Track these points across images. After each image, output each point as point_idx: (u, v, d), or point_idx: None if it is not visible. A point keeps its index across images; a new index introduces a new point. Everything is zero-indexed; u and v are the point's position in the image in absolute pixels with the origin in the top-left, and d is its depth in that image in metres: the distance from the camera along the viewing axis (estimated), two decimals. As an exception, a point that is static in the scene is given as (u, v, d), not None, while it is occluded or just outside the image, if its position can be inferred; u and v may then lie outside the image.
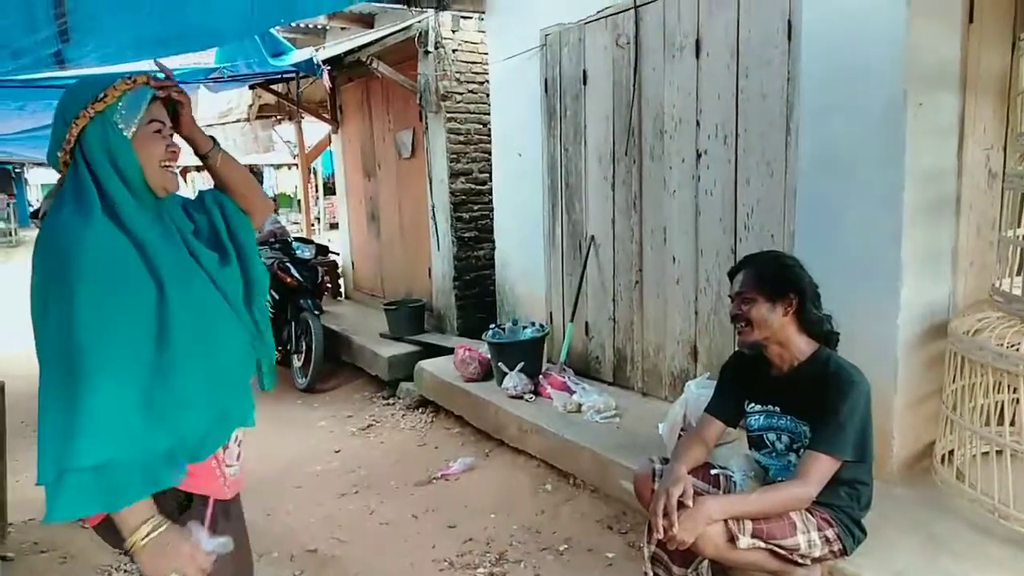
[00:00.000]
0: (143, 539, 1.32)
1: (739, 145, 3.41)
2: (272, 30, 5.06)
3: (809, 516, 2.11)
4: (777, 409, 2.27)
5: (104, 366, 1.28)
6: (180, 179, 1.63)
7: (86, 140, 1.40)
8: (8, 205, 21.36)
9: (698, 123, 3.59)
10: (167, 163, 1.49)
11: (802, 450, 2.17)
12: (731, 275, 2.31)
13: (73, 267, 1.31)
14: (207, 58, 5.09)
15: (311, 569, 3.02)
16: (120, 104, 1.42)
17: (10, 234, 20.87)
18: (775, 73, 3.20)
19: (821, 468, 2.07)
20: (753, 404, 2.34)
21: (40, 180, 33.52)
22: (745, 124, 3.37)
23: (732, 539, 2.01)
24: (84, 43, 3.33)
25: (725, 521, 2.02)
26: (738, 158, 3.42)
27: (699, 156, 3.61)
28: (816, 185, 3.07)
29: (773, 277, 2.20)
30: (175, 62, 4.97)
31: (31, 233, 24.34)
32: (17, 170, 23.79)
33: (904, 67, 2.69)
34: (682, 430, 3.17)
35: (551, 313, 4.82)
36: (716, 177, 3.53)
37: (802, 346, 2.22)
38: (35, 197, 32.03)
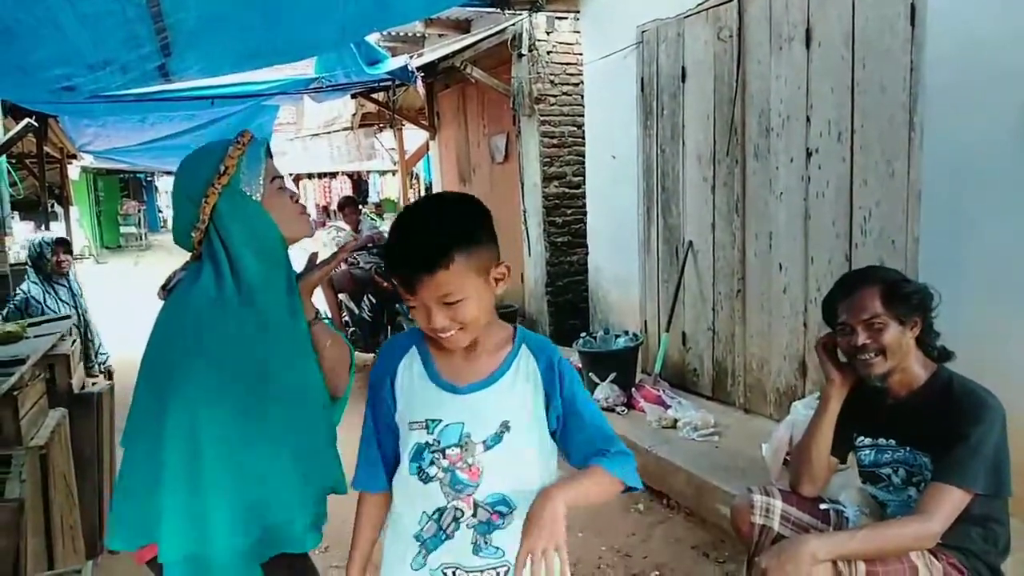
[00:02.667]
0: None
1: (855, 142, 3.11)
2: (368, 39, 5.13)
3: (934, 560, 1.85)
4: (892, 442, 2.02)
5: (222, 464, 1.34)
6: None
7: (219, 216, 1.38)
8: (139, 211, 23.06)
9: (808, 119, 3.31)
10: (302, 212, 1.48)
11: (923, 484, 1.91)
12: (835, 300, 2.00)
13: (197, 356, 1.35)
14: (307, 69, 5.23)
15: (394, 581, 2.97)
16: (241, 170, 1.39)
17: (141, 239, 22.52)
18: (896, 63, 2.90)
19: (947, 502, 1.79)
20: (863, 438, 2.10)
21: (169, 187, 36.15)
22: (862, 119, 3.07)
23: None
24: (185, 57, 3.46)
25: (834, 563, 1.79)
26: (854, 156, 3.12)
27: (809, 155, 3.33)
28: (946, 186, 2.75)
29: (904, 296, 1.91)
30: (277, 73, 5.13)
31: (161, 237, 26.23)
32: (148, 178, 25.69)
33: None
34: (787, 455, 2.91)
35: (645, 322, 4.62)
36: (829, 178, 3.25)
37: (919, 369, 1.96)
38: (165, 204, 34.56)
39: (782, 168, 3.48)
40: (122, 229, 22.08)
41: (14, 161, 6.82)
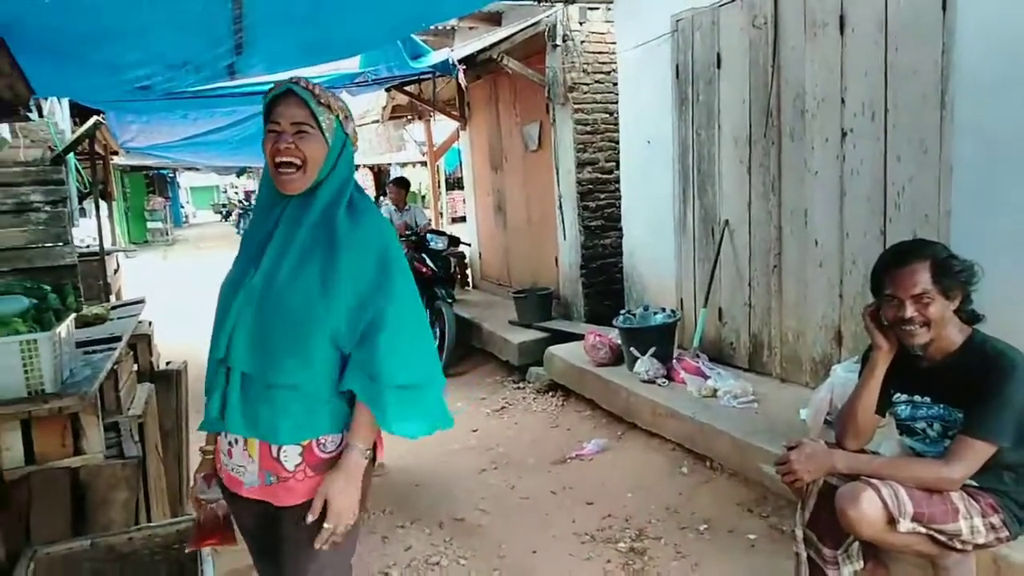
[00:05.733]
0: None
1: (888, 122, 3.29)
2: (411, 34, 5.33)
3: (973, 502, 2.04)
4: (928, 399, 2.18)
5: None
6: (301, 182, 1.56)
7: None
8: (165, 208, 23.46)
9: (843, 101, 3.49)
10: (278, 162, 1.53)
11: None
12: (884, 272, 2.13)
13: None
14: (352, 64, 5.43)
15: (459, 536, 3.22)
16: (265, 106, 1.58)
17: (166, 234, 22.93)
18: (928, 46, 3.07)
19: (972, 453, 1.99)
20: (899, 395, 2.26)
21: (190, 183, 36.64)
22: (895, 100, 3.25)
23: (891, 522, 1.98)
24: (253, 55, 3.68)
25: (884, 504, 1.98)
26: (887, 135, 3.30)
27: (844, 135, 3.51)
28: (975, 162, 2.92)
29: (952, 272, 2.04)
30: (324, 69, 5.34)
31: (184, 232, 26.68)
32: (172, 175, 26.10)
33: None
34: (828, 415, 3.11)
35: (681, 299, 4.82)
36: (863, 156, 3.42)
37: (955, 334, 2.10)
38: (185, 199, 35.07)
39: (817, 148, 3.66)
40: (148, 225, 22.48)
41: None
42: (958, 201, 3.01)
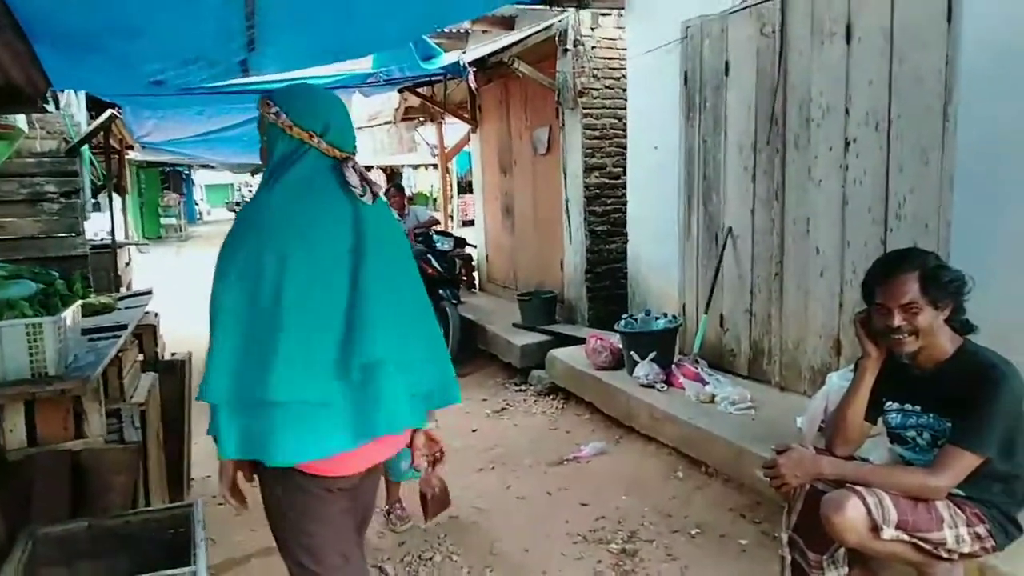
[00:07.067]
0: None
1: (891, 132, 3.30)
2: (423, 36, 5.38)
3: (958, 511, 2.05)
4: (918, 408, 2.20)
5: None
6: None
7: None
8: (179, 204, 23.67)
9: (847, 110, 3.50)
10: None
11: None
12: (874, 281, 2.14)
13: None
14: (364, 64, 5.48)
15: (453, 533, 3.24)
16: None
17: (180, 230, 23.13)
18: (933, 57, 3.08)
19: (958, 463, 2.00)
20: (891, 403, 2.27)
21: (205, 181, 36.93)
22: (899, 110, 3.26)
23: (875, 529, 1.99)
24: (265, 52, 3.73)
25: (869, 511, 1.99)
26: (890, 145, 3.31)
27: (847, 144, 3.52)
28: (978, 171, 2.93)
29: (941, 282, 2.04)
30: (336, 69, 5.40)
31: (198, 229, 26.88)
32: (187, 172, 26.34)
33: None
34: (822, 422, 3.11)
35: (684, 305, 4.83)
36: (866, 165, 3.43)
37: (947, 344, 2.11)
38: (200, 197, 35.34)
39: (821, 157, 3.68)
40: (162, 220, 22.69)
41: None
42: (959, 211, 3.01)
